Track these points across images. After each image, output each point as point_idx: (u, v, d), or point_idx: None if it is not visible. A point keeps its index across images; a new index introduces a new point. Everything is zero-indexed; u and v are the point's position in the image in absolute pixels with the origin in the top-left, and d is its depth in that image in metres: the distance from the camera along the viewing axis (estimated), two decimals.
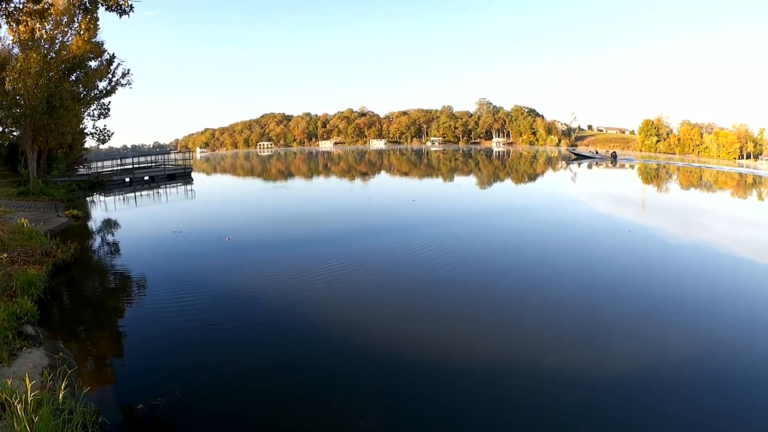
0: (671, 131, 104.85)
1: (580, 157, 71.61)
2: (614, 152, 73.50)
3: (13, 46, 31.74)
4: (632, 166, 57.85)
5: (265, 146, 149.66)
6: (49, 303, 9.96)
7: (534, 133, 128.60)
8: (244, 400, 6.32)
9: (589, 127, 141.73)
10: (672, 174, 48.76)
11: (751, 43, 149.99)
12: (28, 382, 5.30)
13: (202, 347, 7.87)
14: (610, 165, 59.02)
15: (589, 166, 56.22)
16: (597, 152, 76.38)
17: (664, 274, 11.84)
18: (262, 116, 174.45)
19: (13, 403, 4.94)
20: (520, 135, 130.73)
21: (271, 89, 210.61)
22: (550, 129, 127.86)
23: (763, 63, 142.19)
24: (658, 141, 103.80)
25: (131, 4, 11.92)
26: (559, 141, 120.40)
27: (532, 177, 45.11)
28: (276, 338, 8.25)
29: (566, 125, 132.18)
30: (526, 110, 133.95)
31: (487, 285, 11.11)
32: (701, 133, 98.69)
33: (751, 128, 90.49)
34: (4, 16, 12.18)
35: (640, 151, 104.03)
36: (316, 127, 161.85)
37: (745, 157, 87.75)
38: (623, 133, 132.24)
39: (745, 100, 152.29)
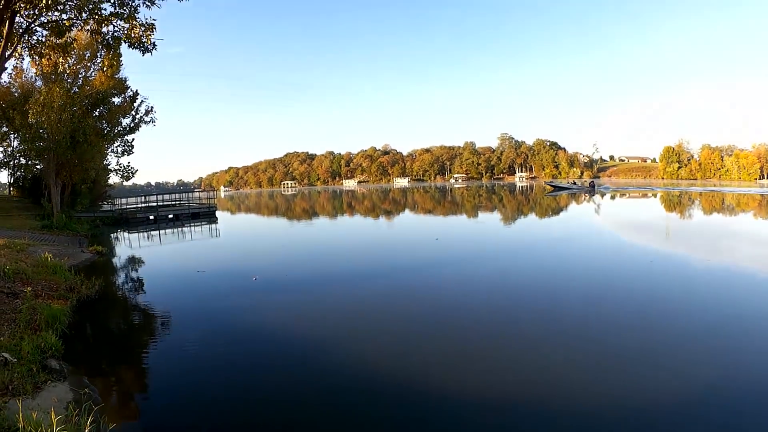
0: (692, 156, 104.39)
1: (557, 189, 71.02)
2: (592, 181, 73.68)
3: (36, 79, 32.19)
4: (614, 196, 57.23)
5: (289, 185, 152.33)
6: (74, 338, 9.91)
7: (557, 167, 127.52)
8: None
9: (611, 157, 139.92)
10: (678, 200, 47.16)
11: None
12: (53, 416, 5.25)
13: (226, 386, 7.71)
14: (586, 196, 58.11)
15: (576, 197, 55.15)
16: (575, 183, 76.94)
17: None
18: (285, 155, 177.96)
19: None
20: (543, 169, 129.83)
21: (294, 127, 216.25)
22: (572, 161, 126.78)
23: None
24: (679, 167, 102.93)
25: (154, 42, 12.17)
26: (582, 173, 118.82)
27: (556, 211, 44.28)
28: (302, 382, 7.87)
29: (588, 157, 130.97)
30: (548, 143, 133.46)
31: (508, 321, 10.74)
32: (722, 156, 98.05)
33: None
34: (27, 49, 12.35)
35: (662, 179, 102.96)
36: (340, 166, 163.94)
37: (765, 176, 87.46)
38: (645, 161, 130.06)
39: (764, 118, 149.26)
